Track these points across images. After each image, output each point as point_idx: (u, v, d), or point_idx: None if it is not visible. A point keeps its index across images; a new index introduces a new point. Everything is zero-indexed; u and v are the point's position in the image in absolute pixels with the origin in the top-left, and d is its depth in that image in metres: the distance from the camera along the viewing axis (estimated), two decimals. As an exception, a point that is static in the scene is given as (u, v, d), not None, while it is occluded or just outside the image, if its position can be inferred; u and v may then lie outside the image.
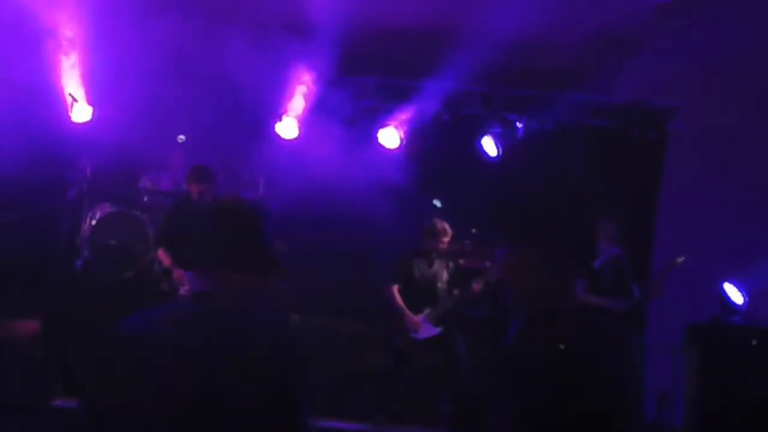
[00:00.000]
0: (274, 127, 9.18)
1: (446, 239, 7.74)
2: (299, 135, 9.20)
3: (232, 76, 9.09)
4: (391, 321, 7.57)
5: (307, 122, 9.20)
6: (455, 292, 7.65)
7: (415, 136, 9.48)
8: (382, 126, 9.37)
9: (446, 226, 7.78)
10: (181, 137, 9.43)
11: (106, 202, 9.04)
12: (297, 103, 9.13)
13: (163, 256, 7.56)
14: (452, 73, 8.92)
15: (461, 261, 8.35)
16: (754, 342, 8.32)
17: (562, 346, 8.59)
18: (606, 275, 7.82)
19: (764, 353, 8.26)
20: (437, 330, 7.50)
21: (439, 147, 9.59)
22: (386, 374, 7.57)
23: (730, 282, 8.66)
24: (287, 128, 9.18)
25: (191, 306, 2.57)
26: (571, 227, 9.36)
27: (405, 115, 9.37)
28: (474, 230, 9.15)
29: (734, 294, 8.64)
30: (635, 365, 7.45)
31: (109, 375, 2.44)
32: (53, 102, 8.76)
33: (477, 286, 7.53)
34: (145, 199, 9.11)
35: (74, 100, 8.75)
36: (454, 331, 7.57)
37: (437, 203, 9.50)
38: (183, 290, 7.32)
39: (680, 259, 7.76)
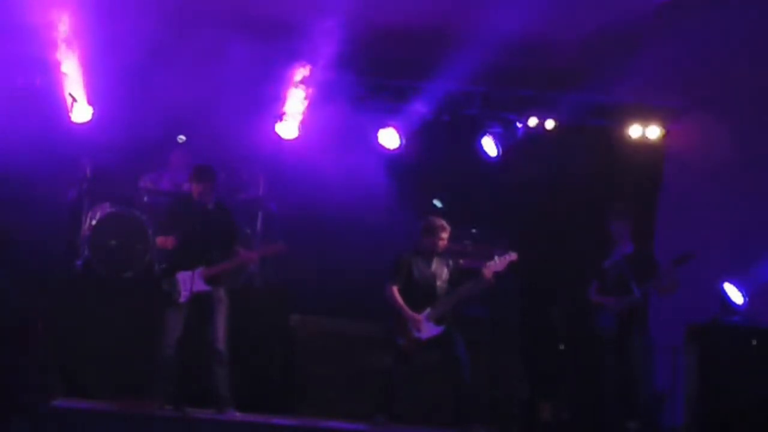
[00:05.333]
0: (274, 127, 9.18)
1: (445, 235, 7.71)
2: (299, 135, 9.20)
3: (232, 75, 9.10)
4: (392, 321, 7.56)
5: (307, 122, 9.20)
6: (465, 285, 7.60)
7: (415, 136, 9.48)
8: (382, 126, 9.37)
9: (444, 222, 7.77)
10: (181, 137, 9.43)
11: (106, 202, 9.04)
12: (297, 103, 9.12)
13: (162, 241, 7.50)
14: (452, 73, 8.92)
15: (461, 261, 8.35)
16: (754, 342, 8.32)
17: (562, 347, 8.64)
18: (613, 275, 7.85)
19: (764, 353, 8.26)
20: (439, 329, 7.50)
21: (439, 147, 9.59)
22: (386, 374, 7.56)
23: (730, 282, 8.66)
24: (287, 128, 9.18)
25: None
26: (571, 227, 9.38)
27: (405, 115, 9.37)
28: (474, 230, 9.15)
29: (734, 294, 8.64)
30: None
31: None
32: (53, 102, 8.76)
33: (488, 272, 7.50)
34: (145, 199, 9.09)
35: (74, 100, 8.75)
36: (454, 331, 7.57)
37: (437, 203, 9.50)
38: (183, 293, 7.28)
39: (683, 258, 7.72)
